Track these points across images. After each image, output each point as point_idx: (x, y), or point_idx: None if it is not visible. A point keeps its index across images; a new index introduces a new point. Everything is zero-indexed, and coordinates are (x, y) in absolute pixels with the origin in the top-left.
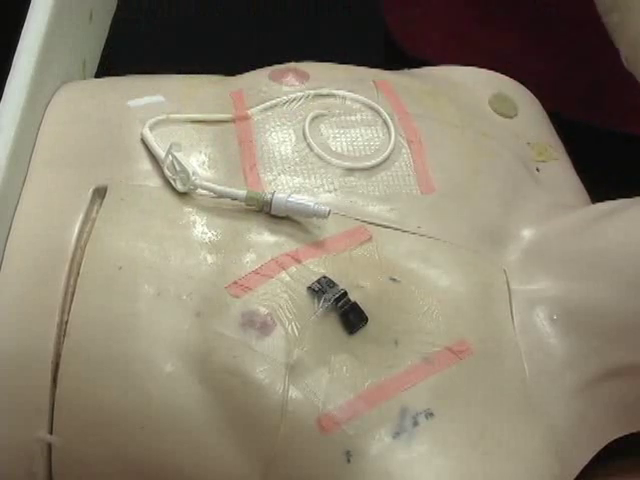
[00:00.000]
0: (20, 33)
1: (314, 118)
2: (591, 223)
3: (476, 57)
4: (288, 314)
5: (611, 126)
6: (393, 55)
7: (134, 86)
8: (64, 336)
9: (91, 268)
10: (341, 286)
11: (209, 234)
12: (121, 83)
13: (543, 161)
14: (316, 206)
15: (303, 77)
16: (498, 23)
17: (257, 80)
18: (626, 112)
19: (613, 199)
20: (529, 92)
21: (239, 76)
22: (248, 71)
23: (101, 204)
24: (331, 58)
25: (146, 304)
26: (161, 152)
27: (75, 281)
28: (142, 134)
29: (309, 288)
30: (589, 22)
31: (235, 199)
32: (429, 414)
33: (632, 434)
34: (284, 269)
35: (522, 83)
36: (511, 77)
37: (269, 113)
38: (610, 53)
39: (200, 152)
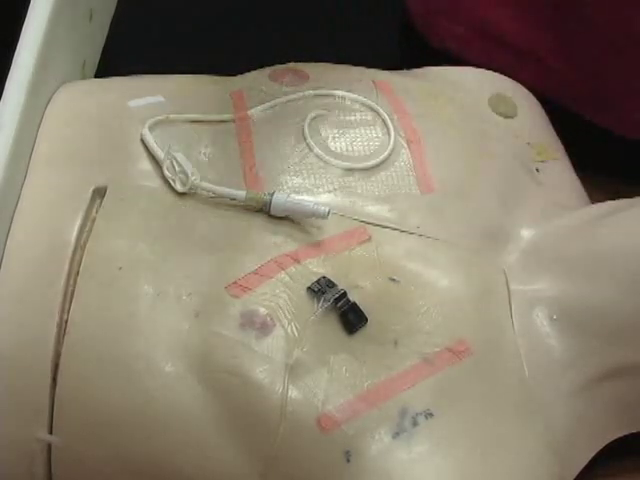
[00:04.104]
0: (20, 33)
1: (313, 118)
2: (591, 223)
3: (500, 53)
4: (287, 314)
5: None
6: (413, 47)
7: (134, 86)
8: (64, 335)
9: (91, 268)
10: (340, 286)
11: (208, 234)
12: (121, 83)
13: (543, 161)
14: (315, 206)
15: (303, 77)
16: (527, 20)
17: (257, 80)
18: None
19: (613, 199)
20: (529, 92)
21: (239, 76)
22: (248, 71)
23: (101, 204)
24: (347, 54)
25: (146, 304)
26: (161, 152)
27: (75, 281)
28: (142, 134)
29: (309, 288)
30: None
31: (234, 199)
32: (429, 414)
33: (632, 434)
34: (283, 269)
35: (545, 82)
36: (531, 76)
37: (269, 113)
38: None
39: (200, 152)
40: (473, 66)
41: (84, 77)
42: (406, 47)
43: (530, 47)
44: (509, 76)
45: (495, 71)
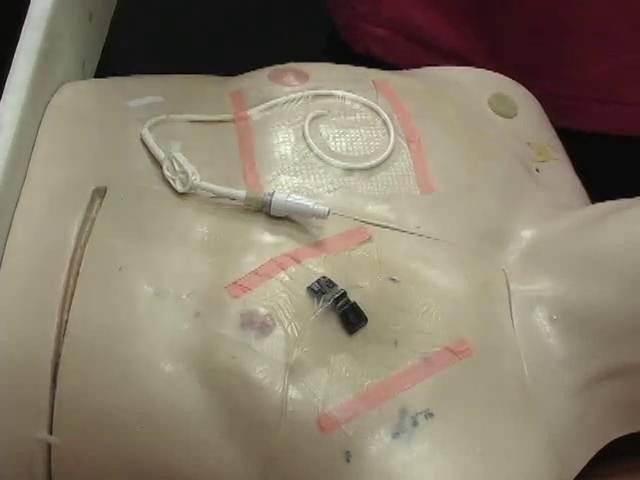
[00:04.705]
0: (20, 33)
1: (314, 118)
2: (591, 223)
3: (426, 55)
4: (287, 314)
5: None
6: (339, 53)
7: (134, 86)
8: (64, 336)
9: (91, 268)
10: (340, 286)
11: (208, 234)
12: (121, 83)
13: (543, 161)
14: (315, 206)
15: (303, 77)
16: (452, 20)
17: (257, 80)
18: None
19: (613, 199)
20: (528, 92)
21: (239, 76)
22: (248, 71)
23: (101, 204)
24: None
25: (146, 304)
26: (161, 152)
27: (75, 281)
28: (142, 134)
29: (308, 288)
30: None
31: (234, 199)
32: (429, 414)
33: (632, 434)
34: (283, 269)
35: None
36: None
37: (268, 113)
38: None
39: (199, 152)
40: (400, 69)
41: (84, 77)
42: (331, 54)
43: (457, 47)
44: None
45: None
